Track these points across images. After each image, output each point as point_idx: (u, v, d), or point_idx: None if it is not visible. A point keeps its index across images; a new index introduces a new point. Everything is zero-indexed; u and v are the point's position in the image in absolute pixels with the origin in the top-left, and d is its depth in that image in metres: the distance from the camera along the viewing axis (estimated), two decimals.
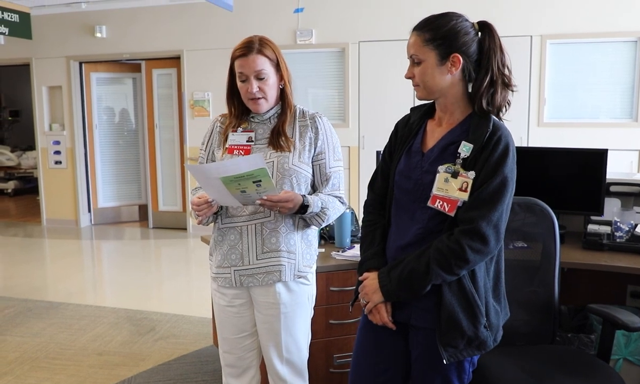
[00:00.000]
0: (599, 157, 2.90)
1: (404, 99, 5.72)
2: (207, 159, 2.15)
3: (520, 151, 3.62)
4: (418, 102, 1.85)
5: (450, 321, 1.64)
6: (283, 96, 2.06)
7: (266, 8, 6.81)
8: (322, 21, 6.65)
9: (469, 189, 1.62)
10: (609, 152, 2.89)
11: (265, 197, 1.86)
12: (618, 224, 2.85)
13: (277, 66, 2.01)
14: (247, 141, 2.04)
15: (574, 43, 5.98)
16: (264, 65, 1.97)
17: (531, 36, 6.01)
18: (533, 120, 6.10)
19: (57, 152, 7.86)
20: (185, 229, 7.57)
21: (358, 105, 6.62)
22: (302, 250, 2.07)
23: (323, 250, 2.86)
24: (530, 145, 5.91)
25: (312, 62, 6.79)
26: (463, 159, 1.64)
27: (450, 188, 1.64)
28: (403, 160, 1.79)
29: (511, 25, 5.97)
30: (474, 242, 1.59)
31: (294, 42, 6.74)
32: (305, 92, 6.84)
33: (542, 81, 6.03)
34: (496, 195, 1.60)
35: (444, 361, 1.65)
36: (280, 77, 2.03)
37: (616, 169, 4.48)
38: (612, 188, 3.02)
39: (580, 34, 5.89)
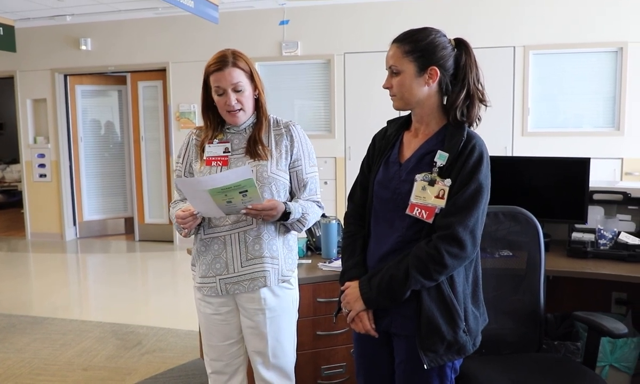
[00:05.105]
0: (582, 165, 2.94)
1: (389, 110, 5.71)
2: (184, 171, 2.19)
3: (505, 160, 3.69)
4: (397, 114, 1.90)
5: (430, 326, 1.67)
6: (258, 105, 2.12)
7: (252, 20, 6.83)
8: (308, 33, 6.69)
9: (445, 196, 1.67)
10: (592, 160, 2.93)
11: (250, 207, 1.91)
12: (602, 231, 2.88)
13: (251, 77, 2.07)
14: (224, 152, 2.09)
15: (556, 53, 6.06)
16: (240, 77, 2.02)
17: (514, 47, 6.08)
18: (517, 129, 6.16)
19: (42, 166, 7.79)
20: (171, 241, 7.52)
21: (344, 116, 6.65)
22: (285, 255, 2.13)
23: (310, 261, 2.85)
24: (515, 154, 5.96)
25: (298, 74, 6.82)
26: (439, 167, 1.70)
27: (427, 196, 1.69)
28: (381, 171, 1.84)
29: (494, 36, 6.05)
30: (451, 247, 1.63)
31: (280, 54, 6.76)
32: (291, 103, 6.86)
33: (526, 91, 6.10)
34: (472, 201, 1.65)
35: (425, 366, 1.67)
36: (255, 87, 2.09)
37: (599, 178, 4.53)
38: (596, 196, 3.06)
39: (563, 44, 5.98)
